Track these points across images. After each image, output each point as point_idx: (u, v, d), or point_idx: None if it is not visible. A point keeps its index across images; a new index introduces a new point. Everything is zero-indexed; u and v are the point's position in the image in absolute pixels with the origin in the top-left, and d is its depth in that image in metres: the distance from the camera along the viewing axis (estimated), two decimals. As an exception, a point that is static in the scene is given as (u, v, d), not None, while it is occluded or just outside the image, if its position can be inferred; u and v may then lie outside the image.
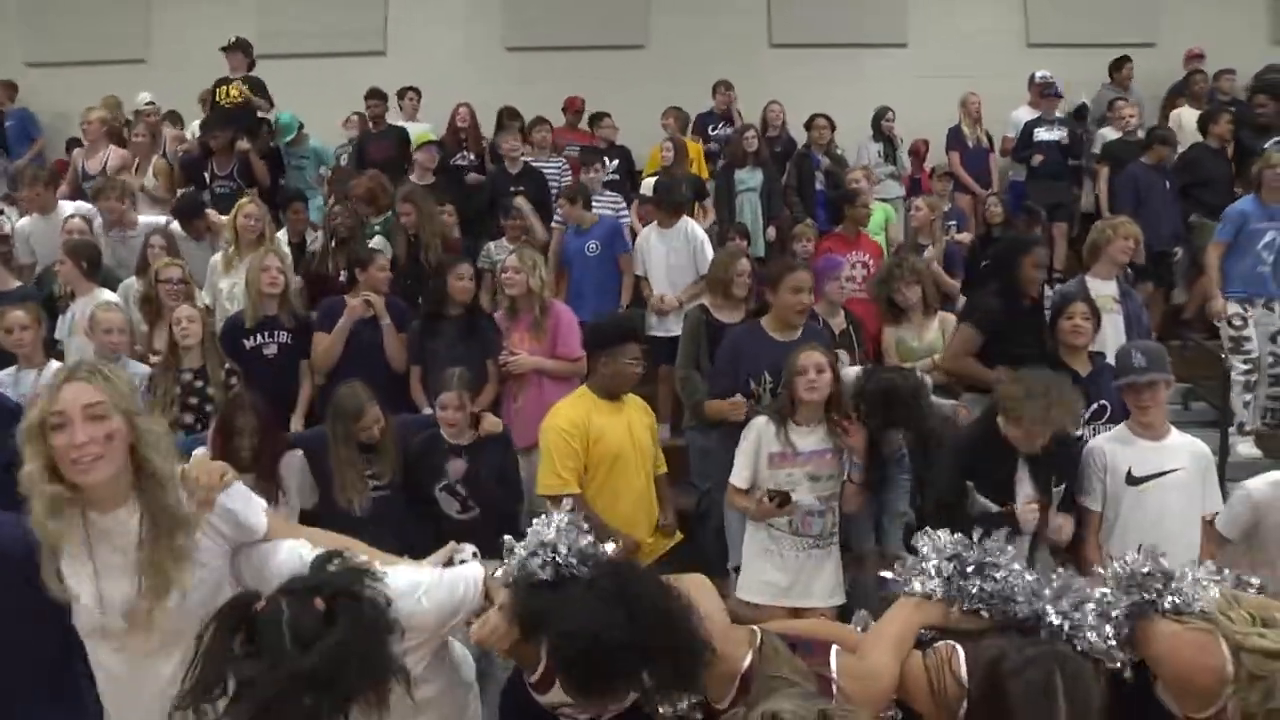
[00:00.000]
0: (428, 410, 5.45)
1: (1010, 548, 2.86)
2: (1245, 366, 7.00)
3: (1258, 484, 3.85)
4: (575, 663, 2.44)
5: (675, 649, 2.46)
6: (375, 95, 9.98)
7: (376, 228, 7.38)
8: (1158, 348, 4.45)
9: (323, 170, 9.28)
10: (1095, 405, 4.76)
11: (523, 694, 2.84)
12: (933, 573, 2.80)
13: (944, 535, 2.86)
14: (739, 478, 4.49)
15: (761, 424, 4.48)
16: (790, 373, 4.42)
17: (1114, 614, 2.65)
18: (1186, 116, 9.78)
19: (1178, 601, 2.65)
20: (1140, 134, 9.31)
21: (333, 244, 7.02)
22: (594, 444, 4.44)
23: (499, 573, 2.72)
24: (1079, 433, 4.58)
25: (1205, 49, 10.99)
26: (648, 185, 7.97)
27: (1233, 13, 11.93)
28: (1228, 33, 11.51)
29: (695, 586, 2.76)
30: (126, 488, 2.48)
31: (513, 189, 8.43)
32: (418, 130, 9.56)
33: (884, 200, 8.90)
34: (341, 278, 6.62)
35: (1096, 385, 4.80)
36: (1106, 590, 2.73)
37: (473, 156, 9.56)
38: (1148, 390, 4.21)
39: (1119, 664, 2.61)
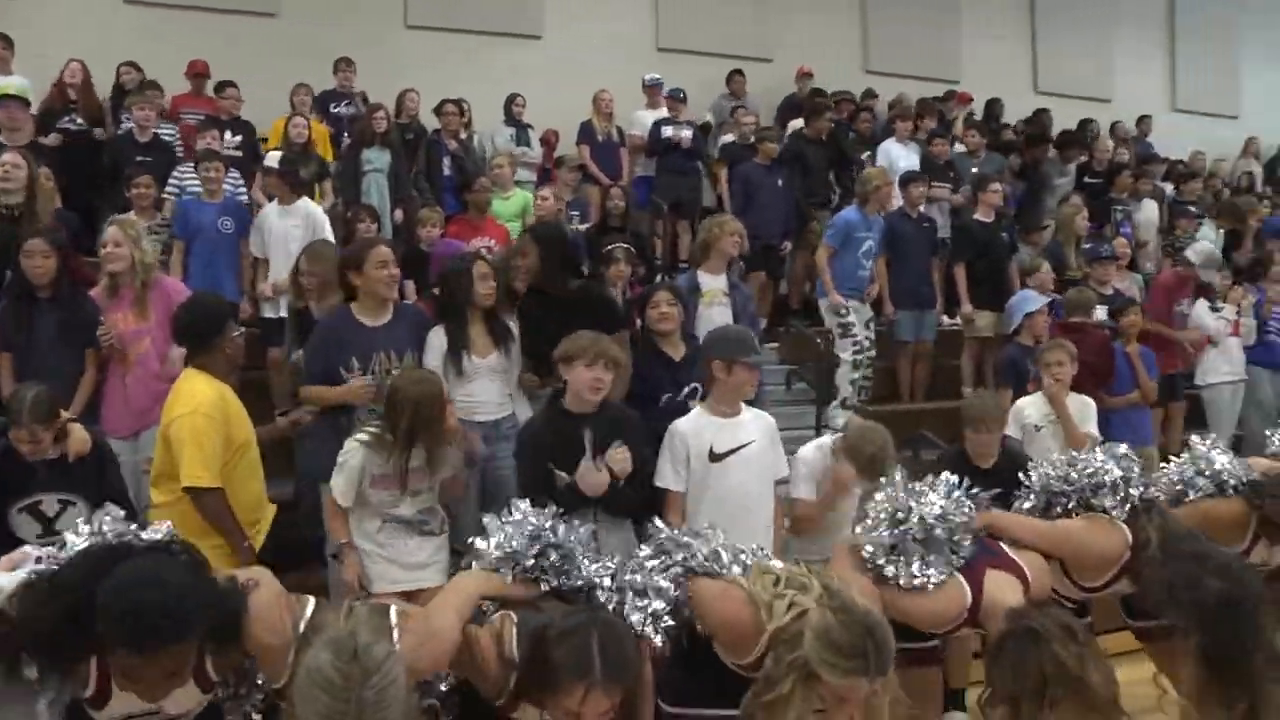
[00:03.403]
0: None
1: (580, 527, 3.20)
2: (854, 348, 7.74)
3: (806, 448, 4.62)
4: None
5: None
6: (-37, 39, 8.69)
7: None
8: (746, 332, 4.74)
9: None
10: (689, 387, 4.95)
11: None
12: (494, 549, 3.08)
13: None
14: (339, 494, 4.29)
15: (356, 446, 4.30)
16: (438, 405, 4.28)
17: (661, 583, 2.99)
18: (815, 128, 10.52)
19: (708, 564, 3.08)
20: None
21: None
22: (233, 430, 4.22)
23: None
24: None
25: (813, 69, 11.98)
26: (273, 158, 7.61)
27: (835, 40, 13.31)
28: (831, 57, 12.75)
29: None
30: None
31: (139, 159, 7.88)
32: (9, 84, 8.34)
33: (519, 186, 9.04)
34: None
35: (689, 368, 5.00)
36: (654, 561, 3.08)
37: (81, 120, 8.75)
38: (748, 370, 4.41)
39: (659, 640, 2.95)
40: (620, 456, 4.16)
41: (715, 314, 6.22)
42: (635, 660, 2.78)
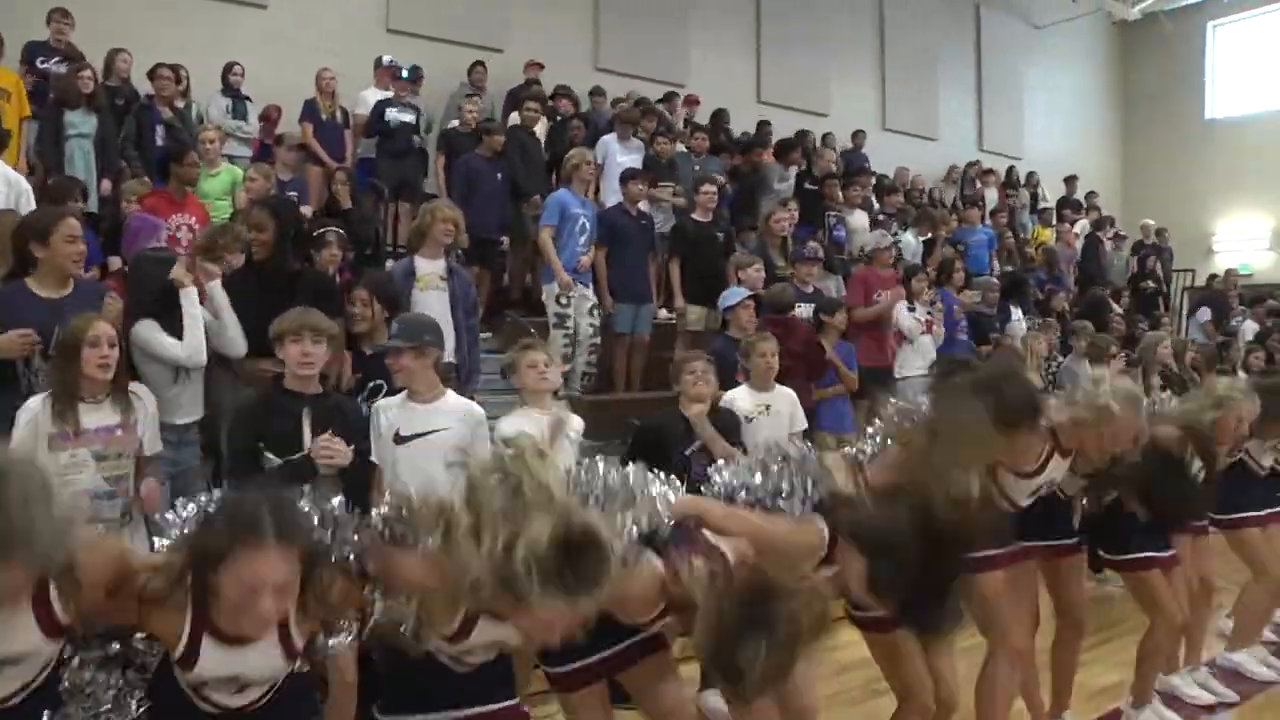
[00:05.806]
0: None
1: None
2: (564, 340, 7.92)
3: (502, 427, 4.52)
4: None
5: None
6: None
7: None
8: (419, 322, 4.75)
9: None
10: (371, 384, 5.16)
11: None
12: None
13: None
14: None
15: (37, 404, 4.08)
16: (77, 345, 4.09)
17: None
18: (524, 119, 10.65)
19: None
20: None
21: None
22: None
23: None
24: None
25: (544, 62, 12.16)
26: None
27: (567, 36, 13.54)
28: (562, 52, 12.96)
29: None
30: None
31: None
32: None
33: (232, 161, 8.73)
34: None
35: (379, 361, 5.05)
36: None
37: None
38: (395, 355, 4.49)
39: None
40: (325, 444, 4.16)
41: (432, 299, 6.22)
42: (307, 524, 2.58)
